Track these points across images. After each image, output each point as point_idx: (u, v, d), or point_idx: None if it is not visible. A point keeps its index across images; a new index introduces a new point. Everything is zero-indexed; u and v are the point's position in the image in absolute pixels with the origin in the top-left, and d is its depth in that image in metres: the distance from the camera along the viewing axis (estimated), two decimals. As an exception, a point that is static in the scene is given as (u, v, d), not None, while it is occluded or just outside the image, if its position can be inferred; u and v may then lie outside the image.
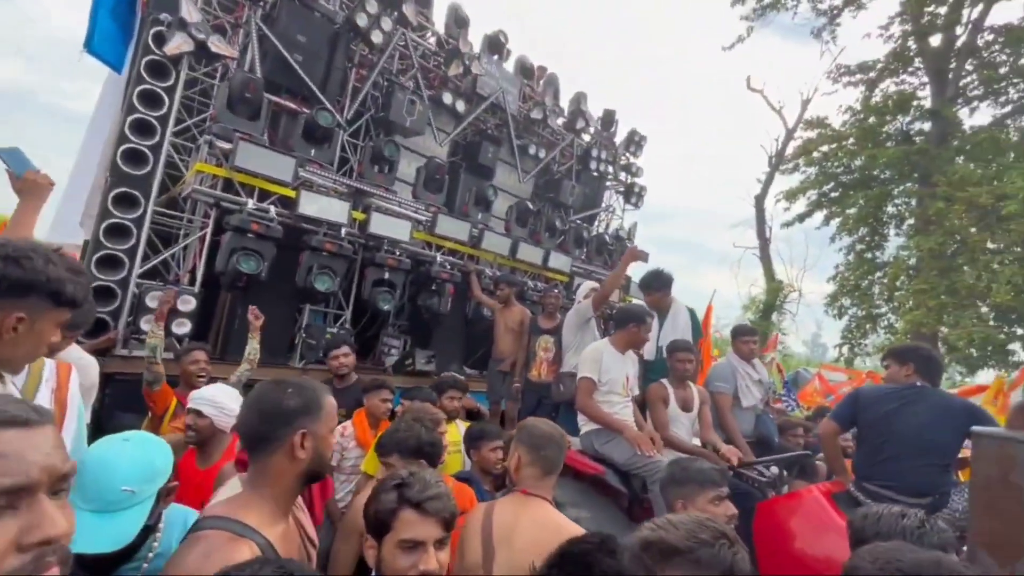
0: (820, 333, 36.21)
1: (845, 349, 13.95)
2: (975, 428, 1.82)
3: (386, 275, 5.11)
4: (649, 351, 3.84)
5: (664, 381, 3.49)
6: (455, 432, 3.30)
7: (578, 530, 1.55)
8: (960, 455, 2.55)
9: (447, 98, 5.96)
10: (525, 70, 7.30)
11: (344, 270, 4.84)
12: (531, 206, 6.89)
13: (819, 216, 14.40)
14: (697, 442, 3.41)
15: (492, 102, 6.52)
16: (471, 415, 4.30)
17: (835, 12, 14.75)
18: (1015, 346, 11.30)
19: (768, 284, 18.21)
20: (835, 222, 14.04)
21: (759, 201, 18.27)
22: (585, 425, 3.27)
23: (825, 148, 14.41)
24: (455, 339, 6.19)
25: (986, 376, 11.74)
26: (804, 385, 10.44)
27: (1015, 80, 12.45)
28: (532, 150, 7.08)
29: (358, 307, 5.40)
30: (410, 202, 5.59)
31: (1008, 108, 12.89)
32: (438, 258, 5.69)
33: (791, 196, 14.81)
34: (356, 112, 5.52)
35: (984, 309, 11.17)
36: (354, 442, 3.14)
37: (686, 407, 3.46)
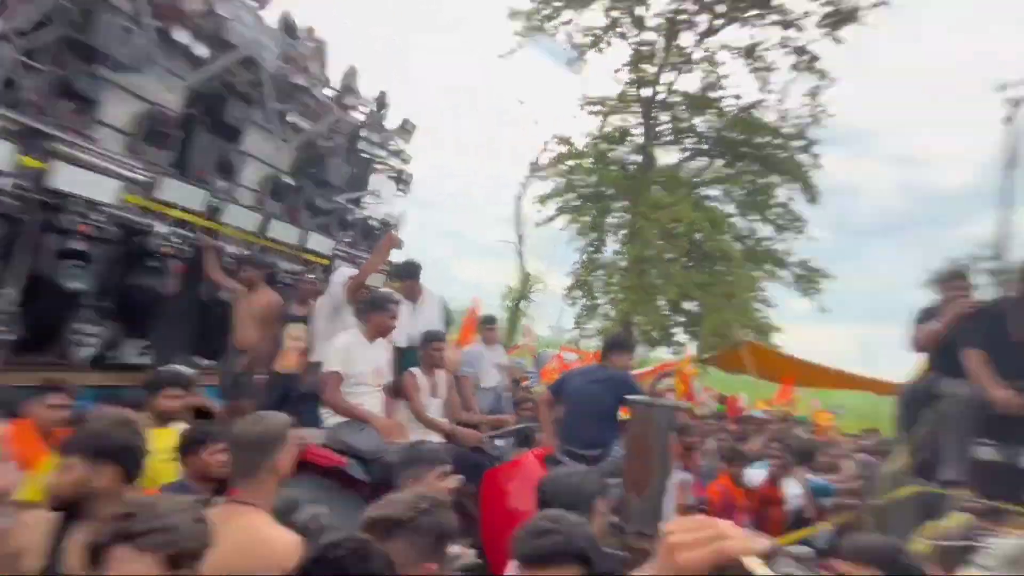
0: (563, 319, 42.91)
1: (576, 333, 16.95)
2: (628, 396, 2.51)
3: (77, 245, 4.00)
4: (401, 338, 3.97)
5: (415, 370, 3.66)
6: (173, 436, 2.83)
7: (289, 538, 1.49)
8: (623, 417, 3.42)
9: (182, 37, 4.93)
10: (289, 27, 6.58)
11: (2, 234, 3.60)
12: (290, 181, 6.28)
13: (562, 220, 17.05)
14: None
15: (245, 55, 5.67)
16: (201, 414, 3.74)
17: (583, 49, 17.51)
18: (677, 330, 15.53)
19: (521, 276, 20.69)
20: (574, 227, 16.85)
21: (518, 201, 20.54)
22: (332, 418, 3.21)
23: (570, 163, 17.08)
24: (183, 326, 5.25)
25: (660, 353, 15.91)
26: (546, 364, 12.21)
27: (689, 135, 16.92)
28: (292, 118, 6.45)
29: (32, 285, 4.08)
30: (121, 156, 4.47)
31: (685, 154, 17.45)
32: (161, 228, 4.71)
33: (542, 200, 17.15)
34: (36, 24, 4.11)
35: (662, 303, 15.00)
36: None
37: (435, 393, 3.70)
